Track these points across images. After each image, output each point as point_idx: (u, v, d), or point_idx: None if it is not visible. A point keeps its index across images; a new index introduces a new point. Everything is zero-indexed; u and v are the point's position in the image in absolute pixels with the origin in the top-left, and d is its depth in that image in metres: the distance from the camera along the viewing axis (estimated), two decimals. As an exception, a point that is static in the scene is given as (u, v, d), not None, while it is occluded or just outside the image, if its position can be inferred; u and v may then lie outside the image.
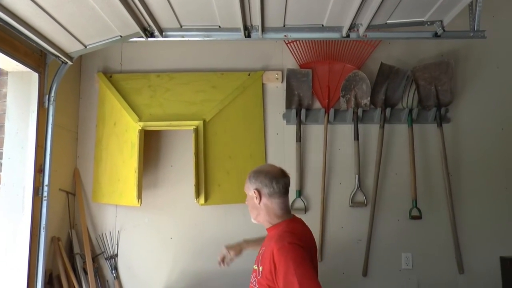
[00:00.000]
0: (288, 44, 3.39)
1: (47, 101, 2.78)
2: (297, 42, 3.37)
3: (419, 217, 3.28)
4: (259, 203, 1.99)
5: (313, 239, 2.06)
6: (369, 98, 3.33)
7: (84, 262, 3.20)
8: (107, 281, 3.32)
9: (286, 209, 2.02)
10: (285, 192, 2.01)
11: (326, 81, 3.40)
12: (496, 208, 3.36)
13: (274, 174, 2.00)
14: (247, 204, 2.08)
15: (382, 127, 3.33)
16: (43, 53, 2.79)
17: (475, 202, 3.36)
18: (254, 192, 1.99)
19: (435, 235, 3.32)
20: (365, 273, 3.29)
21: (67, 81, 3.22)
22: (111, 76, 3.38)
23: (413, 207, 3.29)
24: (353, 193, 3.32)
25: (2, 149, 2.80)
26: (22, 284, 2.68)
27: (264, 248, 1.95)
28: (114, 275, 3.29)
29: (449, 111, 3.41)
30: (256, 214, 2.03)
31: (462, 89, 3.47)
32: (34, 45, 2.59)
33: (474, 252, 3.31)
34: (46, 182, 2.79)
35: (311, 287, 1.75)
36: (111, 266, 3.30)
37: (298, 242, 1.84)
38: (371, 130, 3.40)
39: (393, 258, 3.32)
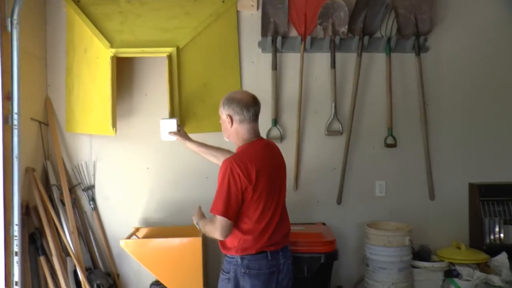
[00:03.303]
0: (264, -31, 3.25)
1: (9, 25, 2.62)
2: (273, -34, 3.24)
3: (394, 145, 3.34)
4: (230, 127, 2.22)
5: (273, 158, 2.26)
6: (347, 26, 3.27)
7: (61, 194, 3.20)
8: (85, 212, 3.34)
9: (254, 133, 2.24)
10: (254, 119, 2.22)
11: (303, 8, 3.31)
12: (468, 137, 3.44)
13: (246, 103, 2.19)
14: (221, 123, 2.29)
15: (359, 56, 3.29)
16: (1, -28, 2.63)
17: (449, 131, 3.42)
18: (227, 117, 2.21)
19: (409, 163, 3.40)
20: (339, 201, 3.38)
21: (31, 5, 3.06)
22: (78, 1, 3.21)
23: (388, 135, 3.33)
24: (329, 121, 3.32)
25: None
26: (-2, 215, 2.66)
27: None
28: (92, 206, 3.31)
29: (428, 40, 3.38)
30: (228, 135, 2.28)
31: (442, 18, 3.42)
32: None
33: (445, 179, 3.41)
34: (15, 110, 2.69)
35: (217, 205, 2.07)
36: (88, 197, 3.31)
37: (238, 161, 2.09)
38: (349, 59, 3.35)
39: (367, 186, 3.41)
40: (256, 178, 2.08)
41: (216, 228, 2.08)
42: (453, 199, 3.40)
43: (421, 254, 3.17)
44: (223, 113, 2.22)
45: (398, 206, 3.39)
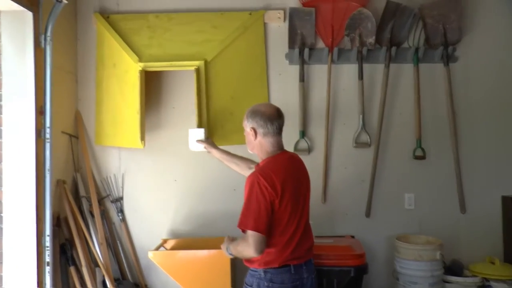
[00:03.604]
0: (290, -19, 3.27)
1: (43, 41, 2.69)
2: (300, -21, 3.24)
3: (423, 157, 3.28)
4: (254, 140, 2.22)
5: (297, 171, 2.24)
6: (374, 37, 3.24)
7: (91, 205, 3.25)
8: (114, 223, 3.38)
9: (278, 146, 2.22)
10: (278, 132, 2.21)
11: (330, 19, 3.30)
12: (500, 148, 3.34)
13: (269, 116, 2.18)
14: (245, 135, 2.30)
15: (387, 67, 3.26)
16: (35, -9, 2.69)
17: (479, 142, 3.34)
18: (251, 130, 2.20)
19: (439, 175, 3.33)
20: (368, 213, 3.33)
21: (63, 22, 3.14)
22: (108, 17, 3.29)
23: (417, 147, 3.28)
24: (357, 133, 3.29)
25: (1, 91, 2.76)
26: (31, 226, 2.70)
27: None
28: (120, 217, 3.35)
29: (457, 50, 3.32)
30: (252, 147, 2.28)
31: (471, 28, 3.36)
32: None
33: (477, 192, 3.32)
34: (48, 124, 2.76)
35: (246, 220, 2.04)
36: (117, 208, 3.35)
37: (263, 174, 2.08)
38: (376, 70, 3.32)
39: (396, 199, 3.35)
40: (282, 191, 2.06)
41: (249, 245, 2.01)
42: (485, 212, 3.31)
43: (453, 268, 3.08)
44: (247, 126, 2.23)
45: (428, 219, 3.32)
